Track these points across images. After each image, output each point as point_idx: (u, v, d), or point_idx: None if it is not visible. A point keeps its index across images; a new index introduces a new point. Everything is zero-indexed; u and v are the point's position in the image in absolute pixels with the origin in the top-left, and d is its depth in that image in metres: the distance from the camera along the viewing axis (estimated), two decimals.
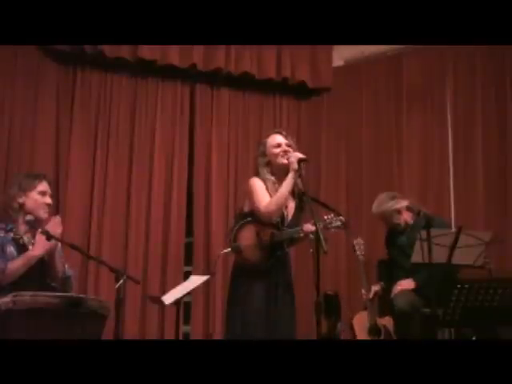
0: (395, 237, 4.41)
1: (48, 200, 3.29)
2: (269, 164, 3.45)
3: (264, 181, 3.42)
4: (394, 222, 4.37)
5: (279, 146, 3.43)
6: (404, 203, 4.36)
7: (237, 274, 3.45)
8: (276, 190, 3.36)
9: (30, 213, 3.22)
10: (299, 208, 3.47)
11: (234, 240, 3.41)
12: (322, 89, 5.87)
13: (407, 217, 4.35)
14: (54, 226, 3.15)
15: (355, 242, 4.49)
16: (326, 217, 3.32)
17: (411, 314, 3.95)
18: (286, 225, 3.42)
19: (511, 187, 4.92)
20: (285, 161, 3.37)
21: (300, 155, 3.32)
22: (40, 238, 3.11)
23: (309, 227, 3.32)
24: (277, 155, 3.42)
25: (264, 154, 3.47)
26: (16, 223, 3.23)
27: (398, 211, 4.34)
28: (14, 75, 5.00)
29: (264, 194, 3.38)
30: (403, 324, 3.99)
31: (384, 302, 4.29)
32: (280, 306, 3.33)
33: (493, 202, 4.98)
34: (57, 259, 3.24)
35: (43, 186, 3.29)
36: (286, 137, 3.48)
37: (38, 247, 3.11)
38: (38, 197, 3.25)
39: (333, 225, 3.31)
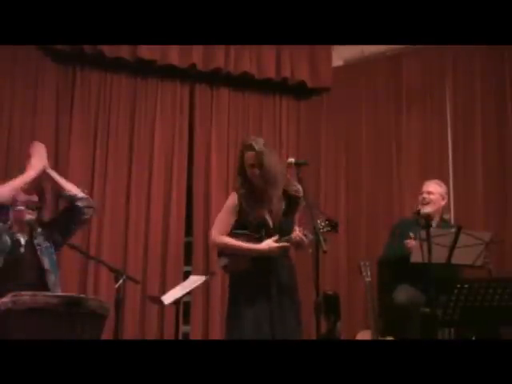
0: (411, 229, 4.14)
1: (33, 198, 3.28)
2: (243, 176, 3.28)
3: (239, 196, 3.26)
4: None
5: (252, 166, 3.22)
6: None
7: (230, 284, 3.36)
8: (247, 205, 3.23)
9: (17, 213, 3.23)
10: (289, 211, 3.29)
11: (219, 254, 3.33)
12: (321, 89, 5.87)
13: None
14: (37, 156, 3.27)
15: (361, 263, 4.36)
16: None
17: (410, 310, 3.91)
18: (271, 228, 3.24)
19: (511, 187, 4.93)
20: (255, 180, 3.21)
21: (291, 160, 3.20)
22: (35, 160, 3.23)
23: (297, 234, 3.17)
24: (251, 175, 3.24)
25: (241, 160, 3.29)
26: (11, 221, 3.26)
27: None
28: (14, 75, 5.00)
29: (221, 220, 3.29)
30: (401, 319, 3.95)
31: (387, 322, 4.25)
32: (283, 314, 3.17)
33: (492, 201, 4.98)
34: (57, 178, 3.35)
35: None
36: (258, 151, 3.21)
37: (34, 168, 3.23)
38: (23, 195, 3.24)
39: (322, 229, 3.11)
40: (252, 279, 3.18)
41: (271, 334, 3.09)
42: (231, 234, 3.26)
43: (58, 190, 3.41)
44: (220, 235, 3.28)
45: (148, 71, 5.50)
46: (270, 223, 3.24)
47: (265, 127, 5.81)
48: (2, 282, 3.03)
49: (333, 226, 3.14)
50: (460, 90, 5.28)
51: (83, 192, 3.45)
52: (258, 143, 3.23)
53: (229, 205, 3.31)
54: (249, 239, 3.22)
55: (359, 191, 5.61)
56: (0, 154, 4.83)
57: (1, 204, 3.18)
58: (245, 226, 3.26)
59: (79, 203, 3.35)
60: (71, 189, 3.38)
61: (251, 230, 3.24)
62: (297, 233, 3.17)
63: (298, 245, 3.21)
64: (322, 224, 3.12)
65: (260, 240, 3.20)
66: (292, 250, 3.36)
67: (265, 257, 3.17)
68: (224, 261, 3.29)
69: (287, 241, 3.18)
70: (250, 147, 3.22)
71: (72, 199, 3.35)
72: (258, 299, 3.15)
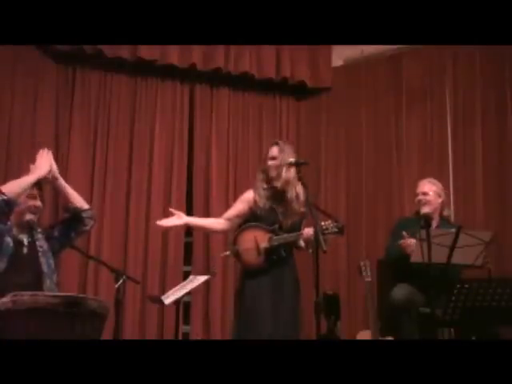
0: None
1: (37, 203, 3.28)
2: (264, 172, 3.61)
3: (255, 191, 3.57)
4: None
5: (273, 159, 3.56)
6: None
7: (241, 275, 3.57)
8: (263, 201, 3.52)
9: (18, 216, 3.22)
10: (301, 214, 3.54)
11: (233, 243, 3.53)
12: (321, 88, 5.87)
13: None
14: (42, 160, 3.25)
15: (362, 263, 4.38)
16: (323, 223, 3.35)
17: (408, 307, 3.88)
18: (284, 229, 3.50)
19: (511, 187, 4.92)
20: (273, 174, 3.53)
21: (291, 160, 3.38)
22: (40, 162, 3.22)
23: (308, 232, 3.42)
24: (270, 167, 3.57)
25: (264, 161, 3.64)
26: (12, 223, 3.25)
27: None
28: (14, 75, 4.99)
29: (232, 209, 3.64)
30: (399, 316, 3.91)
31: (387, 322, 4.24)
32: (283, 308, 3.38)
33: (492, 201, 4.98)
34: (65, 188, 3.35)
35: (33, 189, 3.27)
36: (281, 149, 3.57)
37: (39, 169, 3.21)
38: (26, 200, 3.23)
39: (329, 231, 3.35)
40: (260, 274, 3.45)
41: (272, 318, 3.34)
42: (248, 226, 3.54)
43: (64, 201, 3.41)
44: (223, 219, 3.63)
45: (148, 71, 5.50)
46: (283, 222, 3.50)
47: (265, 127, 5.81)
48: (2, 283, 3.01)
49: (339, 228, 3.28)
50: (460, 90, 5.28)
51: (87, 204, 3.45)
52: (285, 143, 3.64)
53: (243, 197, 3.62)
54: (262, 229, 3.49)
55: (359, 191, 5.61)
56: (0, 153, 4.83)
57: (11, 201, 3.12)
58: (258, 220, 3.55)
59: (83, 214, 3.37)
60: (77, 201, 3.38)
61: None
62: (307, 230, 3.44)
63: (308, 242, 3.47)
64: (331, 225, 3.27)
65: (273, 231, 3.47)
66: (296, 250, 3.63)
67: (275, 253, 3.47)
68: (237, 249, 3.51)
69: (296, 237, 3.48)
70: (276, 142, 3.62)
71: (77, 211, 3.36)
72: (264, 290, 3.41)
